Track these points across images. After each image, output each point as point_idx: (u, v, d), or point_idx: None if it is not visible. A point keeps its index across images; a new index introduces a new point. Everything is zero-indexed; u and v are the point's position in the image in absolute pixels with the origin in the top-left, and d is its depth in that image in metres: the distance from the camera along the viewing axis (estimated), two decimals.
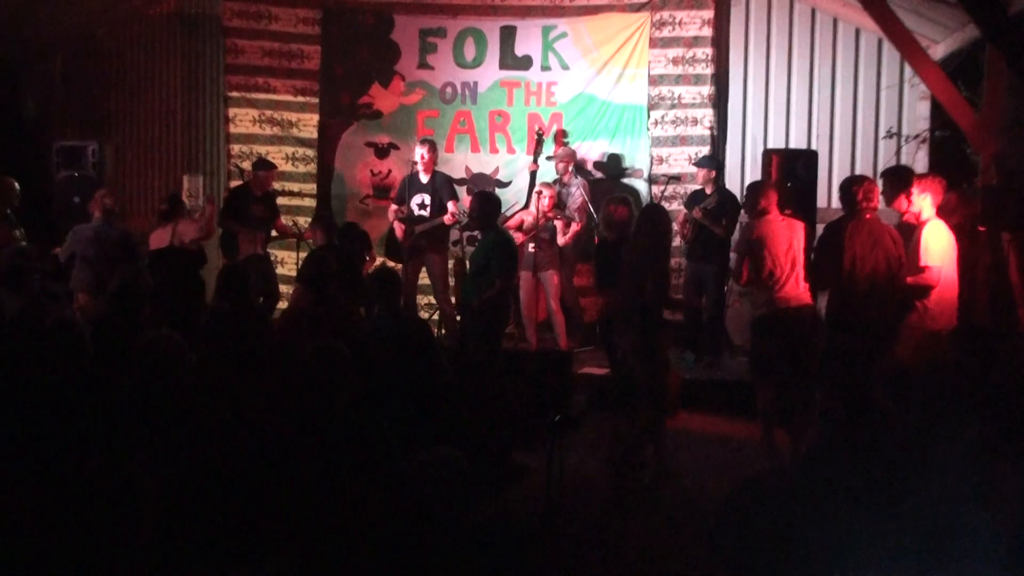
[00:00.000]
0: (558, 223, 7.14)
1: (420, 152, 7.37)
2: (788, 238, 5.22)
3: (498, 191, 8.34)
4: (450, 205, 7.21)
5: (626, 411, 5.11)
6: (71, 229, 6.61)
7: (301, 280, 5.87)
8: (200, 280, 6.07)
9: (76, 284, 6.32)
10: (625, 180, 8.18)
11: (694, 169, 7.56)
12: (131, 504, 2.38)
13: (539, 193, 7.12)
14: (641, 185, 8.16)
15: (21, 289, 5.20)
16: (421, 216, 7.28)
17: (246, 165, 7.94)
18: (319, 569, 2.49)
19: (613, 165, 8.20)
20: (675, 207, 7.66)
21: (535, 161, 7.37)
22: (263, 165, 7.68)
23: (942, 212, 5.32)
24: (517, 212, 7.52)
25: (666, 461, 5.13)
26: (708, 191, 7.14)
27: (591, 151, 8.24)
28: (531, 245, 7.09)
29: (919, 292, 5.04)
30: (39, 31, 8.87)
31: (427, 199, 7.28)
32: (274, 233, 7.64)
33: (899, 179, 5.40)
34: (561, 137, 8.00)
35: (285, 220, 7.85)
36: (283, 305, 7.53)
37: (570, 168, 7.59)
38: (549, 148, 8.04)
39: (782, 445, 5.16)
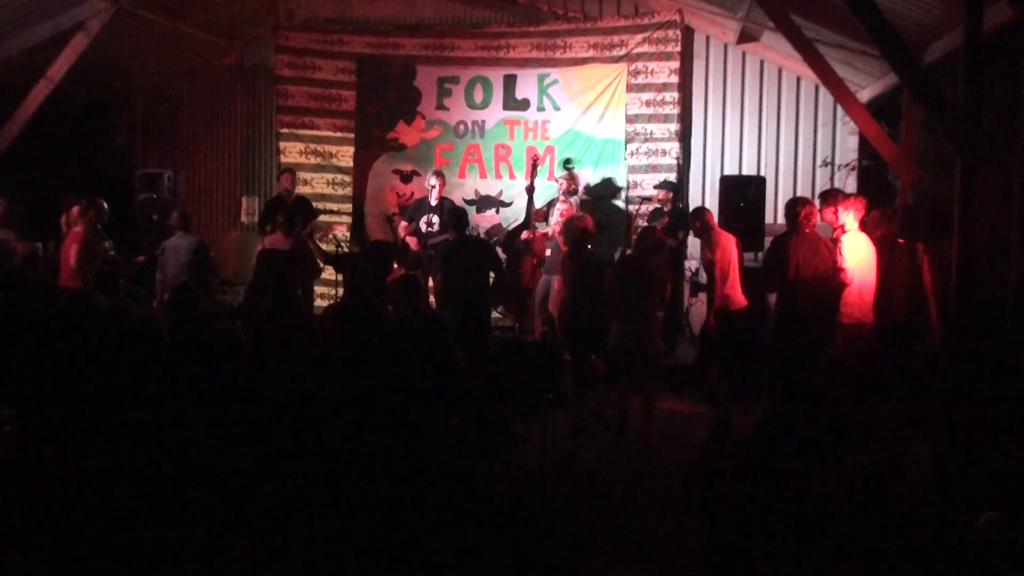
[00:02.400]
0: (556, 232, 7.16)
1: (435, 181, 7.38)
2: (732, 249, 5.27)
3: (501, 210, 8.39)
4: None
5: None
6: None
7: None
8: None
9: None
10: (606, 201, 8.15)
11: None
12: (198, 466, 2.37)
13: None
14: (620, 205, 8.15)
15: (110, 291, 5.20)
16: (430, 232, 7.29)
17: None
18: (356, 515, 2.49)
19: (597, 189, 8.18)
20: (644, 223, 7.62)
21: (532, 183, 7.39)
22: (281, 171, 7.71)
23: (867, 227, 5.31)
24: (516, 225, 7.53)
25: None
26: (665, 209, 7.15)
27: (579, 177, 8.22)
28: (547, 250, 7.09)
29: (839, 288, 5.05)
30: (126, 79, 8.90)
31: (435, 219, 7.28)
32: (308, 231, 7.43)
33: (830, 198, 5.44)
34: (567, 164, 7.95)
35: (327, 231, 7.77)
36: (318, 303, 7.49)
37: (569, 188, 7.55)
38: (544, 173, 8.04)
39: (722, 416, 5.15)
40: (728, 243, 5.56)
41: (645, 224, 7.17)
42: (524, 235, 7.24)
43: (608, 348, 5.29)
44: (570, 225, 5.85)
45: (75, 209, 6.23)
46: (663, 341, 7.03)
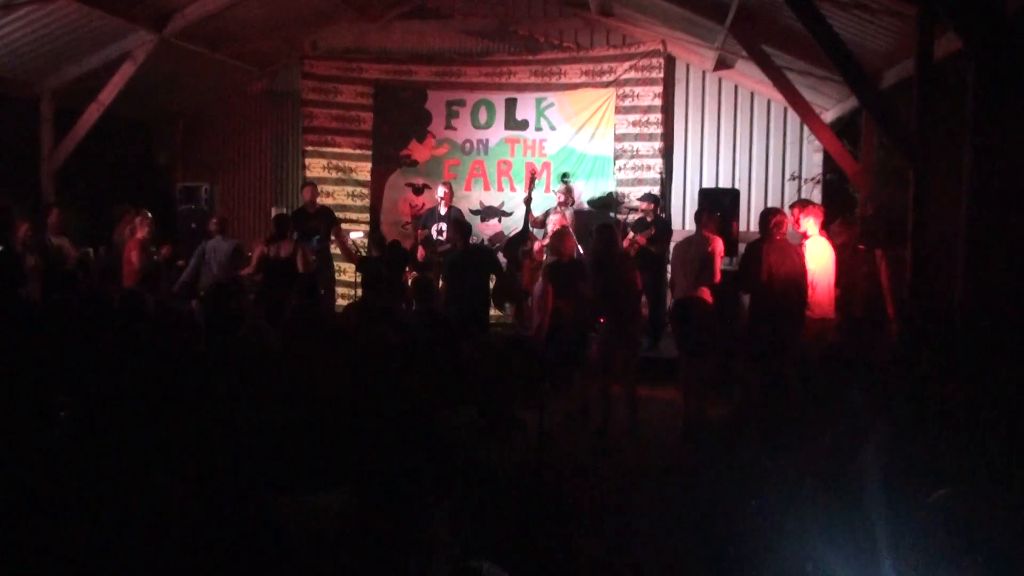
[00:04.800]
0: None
1: (443, 192, 7.40)
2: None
3: (503, 219, 8.41)
4: None
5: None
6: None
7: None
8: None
9: (201, 283, 6.34)
10: (598, 212, 8.14)
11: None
12: (232, 446, 2.37)
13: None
14: (610, 215, 8.14)
15: (155, 291, 5.20)
16: (439, 240, 7.30)
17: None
18: (371, 496, 2.49)
19: (592, 201, 8.17)
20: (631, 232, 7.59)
21: (529, 195, 7.40)
22: (303, 186, 7.72)
23: (831, 234, 5.31)
24: (516, 233, 7.54)
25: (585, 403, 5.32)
26: (648, 219, 7.13)
27: (574, 190, 8.20)
28: (544, 256, 7.09)
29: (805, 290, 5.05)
30: (168, 103, 8.92)
31: (443, 226, 7.29)
32: (333, 242, 7.39)
33: (800, 206, 5.44)
34: (564, 177, 7.92)
35: (344, 238, 7.77)
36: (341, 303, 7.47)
37: (565, 201, 7.52)
38: (541, 186, 8.06)
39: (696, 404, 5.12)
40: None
41: (631, 234, 7.18)
42: (529, 246, 7.23)
43: (599, 343, 5.27)
44: (554, 241, 5.90)
45: (137, 219, 6.30)
46: (648, 337, 7.07)
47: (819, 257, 5.08)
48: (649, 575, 3.20)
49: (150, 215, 6.54)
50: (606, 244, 5.26)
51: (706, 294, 5.22)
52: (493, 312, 7.04)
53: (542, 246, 7.20)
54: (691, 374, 5.10)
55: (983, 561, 1.77)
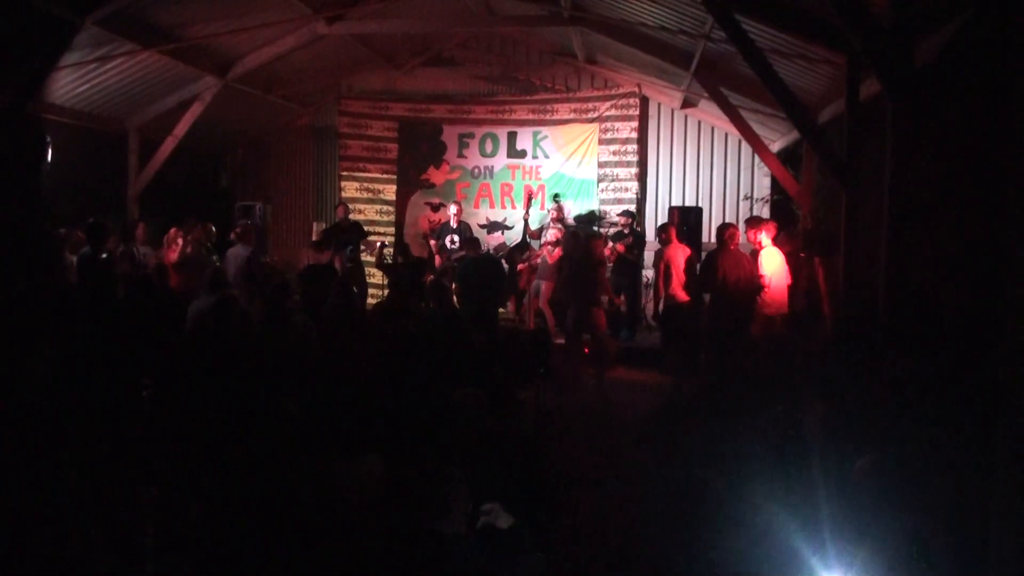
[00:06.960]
0: (545, 250, 7.18)
1: (455, 209, 7.50)
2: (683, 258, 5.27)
3: (506, 232, 8.44)
4: None
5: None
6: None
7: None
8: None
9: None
10: (584, 226, 8.15)
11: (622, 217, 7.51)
12: (281, 420, 2.41)
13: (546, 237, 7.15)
14: (594, 229, 8.17)
15: (217, 291, 5.20)
16: (452, 248, 7.33)
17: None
18: (396, 459, 2.52)
19: (580, 217, 8.19)
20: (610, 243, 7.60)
21: (527, 213, 7.44)
22: (336, 205, 7.76)
23: (778, 244, 5.34)
24: (517, 244, 7.58)
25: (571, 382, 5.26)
26: (625, 231, 7.16)
27: (564, 208, 8.23)
28: (537, 260, 7.12)
29: (757, 290, 5.07)
30: (230, 135, 8.97)
31: (455, 237, 7.35)
32: (363, 250, 7.44)
33: (752, 223, 5.45)
34: (556, 197, 7.95)
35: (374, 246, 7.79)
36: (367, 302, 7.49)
37: (557, 217, 7.55)
38: (536, 205, 8.10)
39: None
40: (675, 253, 5.57)
41: (611, 244, 7.20)
42: (523, 266, 7.26)
43: (565, 330, 5.28)
44: (567, 239, 5.93)
45: (172, 231, 6.06)
46: (627, 329, 7.09)
47: (772, 263, 5.11)
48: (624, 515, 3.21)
49: (212, 228, 6.57)
50: (570, 248, 5.31)
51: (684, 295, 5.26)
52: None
53: (538, 254, 7.23)
54: (674, 361, 5.16)
55: (894, 512, 1.80)
